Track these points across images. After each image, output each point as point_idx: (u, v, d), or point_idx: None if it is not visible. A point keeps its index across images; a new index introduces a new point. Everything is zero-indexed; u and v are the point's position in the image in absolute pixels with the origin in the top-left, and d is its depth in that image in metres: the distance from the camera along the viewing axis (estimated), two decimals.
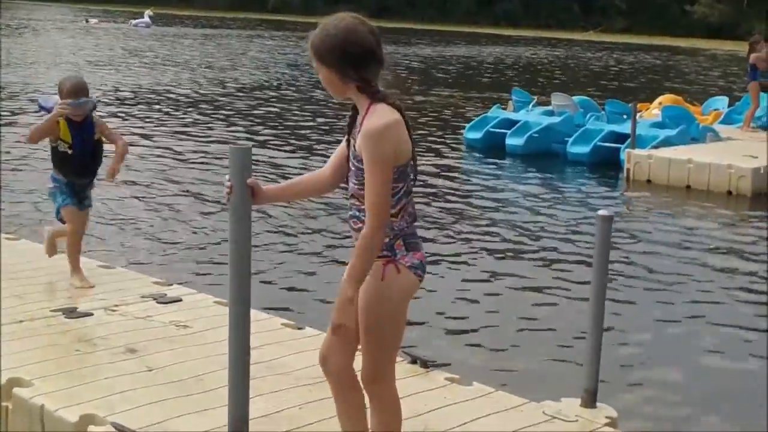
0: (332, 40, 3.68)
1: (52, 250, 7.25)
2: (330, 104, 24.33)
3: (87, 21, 63.66)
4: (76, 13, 74.87)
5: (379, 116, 3.64)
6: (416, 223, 3.85)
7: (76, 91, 6.71)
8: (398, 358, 5.64)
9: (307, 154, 17.14)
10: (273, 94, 27.85)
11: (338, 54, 3.66)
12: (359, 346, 3.89)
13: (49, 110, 6.83)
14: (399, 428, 3.99)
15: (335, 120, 21.75)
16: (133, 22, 63.40)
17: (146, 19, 63.42)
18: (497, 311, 8.79)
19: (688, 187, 15.11)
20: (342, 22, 3.71)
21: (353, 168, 3.76)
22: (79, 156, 6.76)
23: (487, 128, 18.69)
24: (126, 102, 24.11)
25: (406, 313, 3.88)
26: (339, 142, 3.92)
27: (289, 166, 15.58)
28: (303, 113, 23.58)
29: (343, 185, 3.95)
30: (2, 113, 20.44)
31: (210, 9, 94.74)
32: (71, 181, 6.85)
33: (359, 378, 3.94)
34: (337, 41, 3.67)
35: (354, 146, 3.74)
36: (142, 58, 38.07)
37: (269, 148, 17.57)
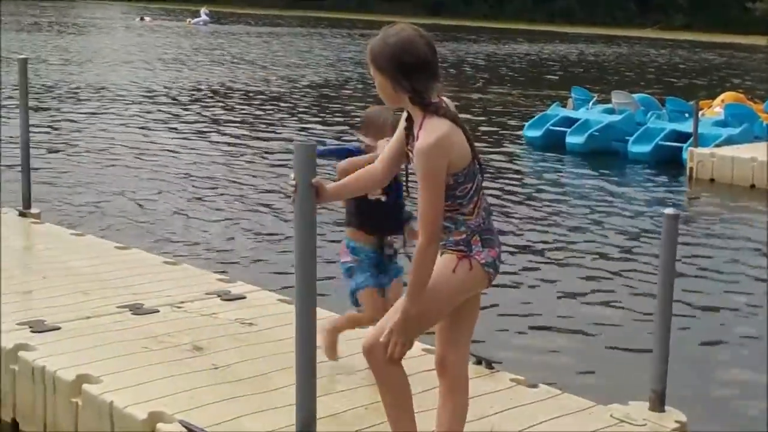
0: (389, 49, 3.71)
1: (333, 353, 5.45)
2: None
3: (142, 19, 64.32)
4: (136, 11, 75.50)
5: (430, 132, 3.66)
6: (491, 218, 3.87)
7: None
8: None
9: None
10: (344, 91, 27.94)
11: (393, 63, 3.70)
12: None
13: (337, 154, 5.57)
14: (395, 400, 3.92)
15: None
16: (192, 20, 63.93)
17: (203, 17, 63.97)
18: (562, 311, 8.72)
19: (753, 186, 14.89)
20: (401, 32, 3.74)
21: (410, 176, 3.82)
22: (393, 204, 5.15)
23: (547, 126, 18.57)
24: (201, 99, 24.30)
25: (471, 308, 3.91)
26: None
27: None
28: (357, 111, 23.65)
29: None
30: (83, 111, 20.70)
31: (265, 7, 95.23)
32: (377, 244, 5.22)
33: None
34: (393, 50, 3.70)
35: (411, 154, 3.77)
36: (212, 56, 38.39)
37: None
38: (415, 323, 3.79)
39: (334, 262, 9.59)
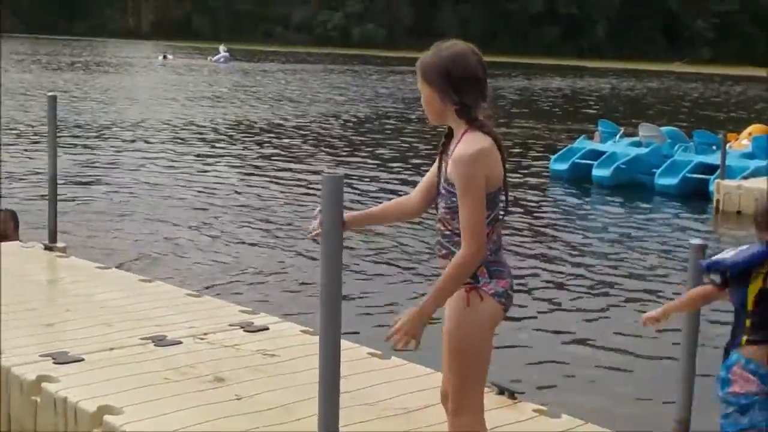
0: (441, 61, 3.70)
1: None
2: (426, 135, 24.40)
3: (165, 57, 64.97)
4: (161, 49, 76.26)
5: (473, 142, 3.63)
6: (501, 252, 3.80)
7: None
8: (486, 389, 5.60)
9: (400, 185, 17.19)
10: (386, 125, 28.17)
11: (443, 73, 3.68)
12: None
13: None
14: None
15: (429, 151, 21.84)
16: (213, 58, 64.56)
17: (222, 53, 64.61)
18: (586, 341, 8.67)
19: None
20: (454, 46, 3.74)
21: (443, 191, 3.75)
22: None
23: (574, 159, 18.55)
24: (232, 134, 24.51)
25: (491, 342, 3.84)
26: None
27: (379, 195, 15.67)
28: (402, 144, 23.75)
29: (431, 210, 3.93)
30: (110, 147, 20.87)
31: (294, 45, 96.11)
32: None
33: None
34: (445, 62, 3.69)
35: (445, 170, 3.72)
36: (250, 93, 38.78)
37: (365, 177, 17.76)
38: (465, 375, 3.78)
39: (355, 295, 9.64)
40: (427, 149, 22.88)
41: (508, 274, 3.81)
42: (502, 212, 3.78)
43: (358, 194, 15.75)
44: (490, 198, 3.67)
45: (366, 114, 32.08)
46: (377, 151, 22.43)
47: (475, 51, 3.74)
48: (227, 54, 64.74)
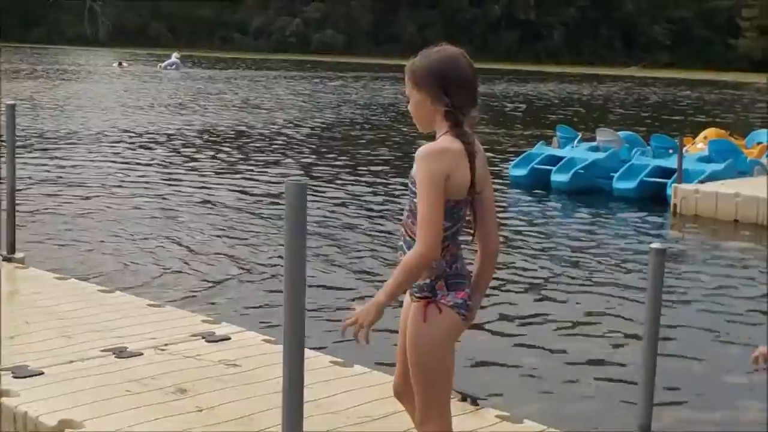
0: (431, 63, 3.70)
1: None
2: (389, 142, 24.41)
3: (120, 64, 64.64)
4: (118, 57, 75.80)
5: (441, 142, 3.65)
6: (460, 262, 3.80)
7: None
8: None
9: (365, 192, 17.19)
10: (351, 132, 28.17)
11: (434, 76, 3.67)
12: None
13: None
14: None
15: (395, 157, 21.88)
16: (162, 65, 64.39)
17: (174, 59, 64.38)
18: (547, 346, 8.72)
19: (736, 221, 14.96)
20: (445, 50, 3.74)
21: (409, 192, 3.77)
22: None
23: (532, 165, 18.65)
24: (207, 141, 24.39)
25: (452, 353, 3.86)
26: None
27: (344, 202, 15.67)
28: (367, 151, 23.77)
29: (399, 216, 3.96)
30: (69, 156, 20.69)
31: (253, 51, 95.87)
32: None
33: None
34: (436, 65, 3.69)
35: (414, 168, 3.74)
36: (212, 100, 38.73)
37: (330, 183, 17.77)
38: (428, 387, 3.79)
39: (317, 304, 9.64)
40: (392, 156, 22.94)
41: (467, 285, 3.81)
42: (462, 226, 3.76)
43: (323, 202, 15.75)
44: (451, 208, 3.66)
45: (331, 120, 32.06)
46: (342, 158, 22.44)
47: (464, 54, 3.74)
48: (178, 61, 64.47)
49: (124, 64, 65.52)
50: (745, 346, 9.09)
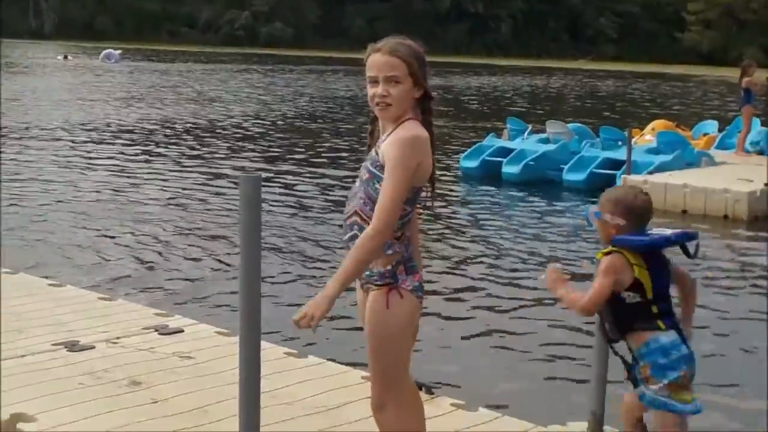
0: (417, 51, 3.81)
1: None
2: (342, 132, 24.38)
3: (65, 57, 64.02)
4: (64, 50, 74.90)
5: (413, 128, 3.71)
6: (410, 248, 3.85)
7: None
8: None
9: (319, 184, 17.17)
10: (306, 124, 28.13)
11: (419, 63, 3.78)
12: None
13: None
14: None
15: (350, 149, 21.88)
16: (101, 56, 64.09)
17: (110, 52, 64.10)
18: (501, 337, 8.77)
19: (684, 211, 15.13)
20: (403, 39, 3.84)
21: (366, 176, 3.77)
22: (663, 302, 4.28)
23: (483, 157, 18.72)
24: (161, 134, 24.19)
25: (411, 337, 3.89)
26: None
27: (299, 194, 15.64)
28: (329, 141, 23.75)
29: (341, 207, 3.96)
30: (16, 150, 20.45)
31: (201, 45, 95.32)
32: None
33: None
34: (415, 50, 3.80)
35: (376, 153, 3.76)
36: (164, 93, 38.42)
37: (287, 176, 17.73)
38: (387, 372, 3.82)
39: (270, 295, 9.61)
40: (347, 147, 22.94)
41: (418, 268, 3.88)
42: (421, 208, 3.85)
43: (278, 194, 15.72)
44: (414, 194, 3.74)
45: (286, 113, 32.00)
46: (298, 150, 22.40)
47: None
48: (117, 54, 64.15)
49: (69, 57, 64.95)
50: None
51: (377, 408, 3.91)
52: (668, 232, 4.38)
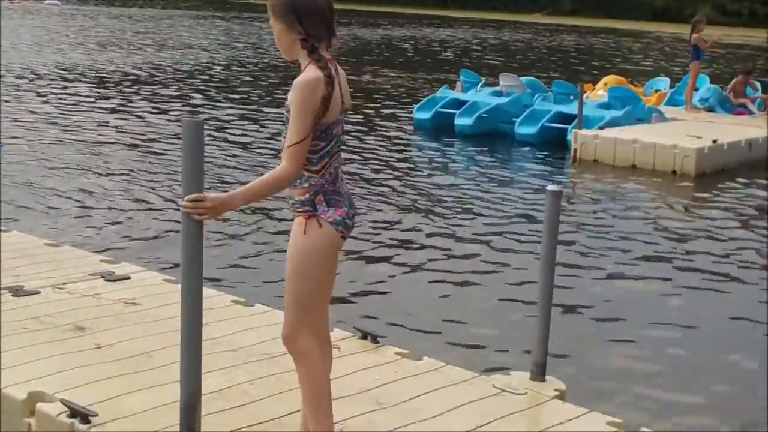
0: None
1: None
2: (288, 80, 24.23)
3: (11, 1, 62.98)
4: None
5: (307, 72, 3.78)
6: (339, 182, 3.93)
7: None
8: (349, 334, 5.68)
9: (260, 131, 17.09)
10: (248, 71, 27.85)
11: (288, 6, 3.81)
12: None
13: None
14: (324, 395, 3.98)
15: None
16: (46, 1, 63.22)
17: None
18: (447, 287, 8.83)
19: (634, 166, 15.27)
20: None
21: (285, 121, 3.85)
22: None
23: (436, 108, 18.73)
24: (104, 81, 23.87)
25: (330, 269, 3.95)
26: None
27: (240, 140, 15.56)
28: (260, 91, 23.56)
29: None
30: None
31: None
32: None
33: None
34: None
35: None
36: (134, 39, 37.78)
37: (228, 124, 17.59)
38: (299, 301, 3.88)
39: (219, 243, 9.60)
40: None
41: (346, 204, 3.95)
42: (338, 146, 3.91)
43: (221, 140, 15.64)
44: (326, 129, 3.81)
45: (231, 59, 31.75)
46: (237, 97, 22.27)
47: None
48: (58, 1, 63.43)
49: (15, 1, 63.92)
50: (636, 280, 9.39)
51: (288, 340, 3.95)
52: None
